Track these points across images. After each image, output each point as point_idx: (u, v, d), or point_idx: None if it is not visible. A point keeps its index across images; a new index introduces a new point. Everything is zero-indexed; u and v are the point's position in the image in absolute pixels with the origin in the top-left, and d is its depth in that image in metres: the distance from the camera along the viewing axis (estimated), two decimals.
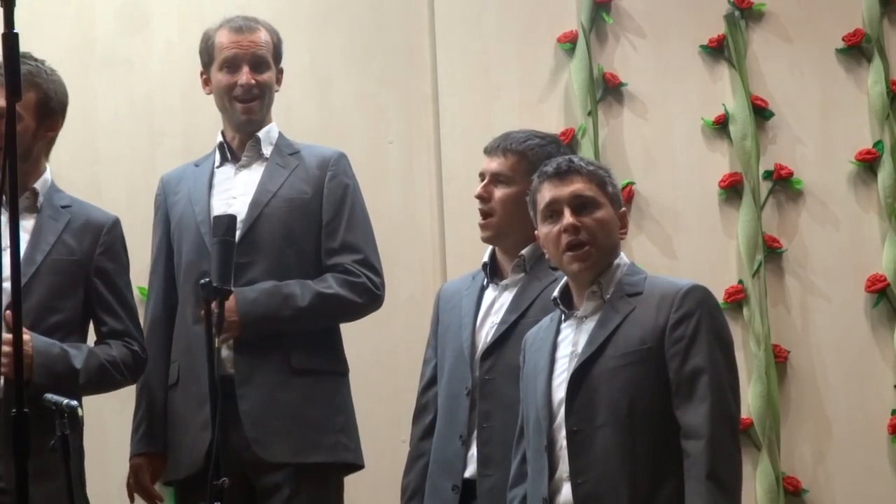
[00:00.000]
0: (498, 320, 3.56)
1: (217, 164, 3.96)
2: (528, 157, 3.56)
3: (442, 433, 3.60)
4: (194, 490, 3.73)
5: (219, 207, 3.85)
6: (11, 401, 2.59)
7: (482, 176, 3.64)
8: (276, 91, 4.00)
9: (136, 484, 3.86)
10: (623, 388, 3.13)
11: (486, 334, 3.57)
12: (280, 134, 4.00)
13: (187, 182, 3.95)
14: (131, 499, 3.88)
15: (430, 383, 3.71)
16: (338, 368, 3.92)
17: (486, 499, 3.45)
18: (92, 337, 3.84)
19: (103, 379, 3.71)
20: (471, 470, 3.51)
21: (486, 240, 3.64)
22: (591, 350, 3.17)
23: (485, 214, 3.61)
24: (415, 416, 3.75)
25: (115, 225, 3.81)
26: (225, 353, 3.77)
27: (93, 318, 3.79)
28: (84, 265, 3.73)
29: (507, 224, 3.57)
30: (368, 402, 4.32)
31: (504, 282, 3.61)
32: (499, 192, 3.59)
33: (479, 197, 3.61)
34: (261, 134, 3.94)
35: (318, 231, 3.88)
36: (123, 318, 3.77)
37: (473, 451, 3.51)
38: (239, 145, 3.96)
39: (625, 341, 3.16)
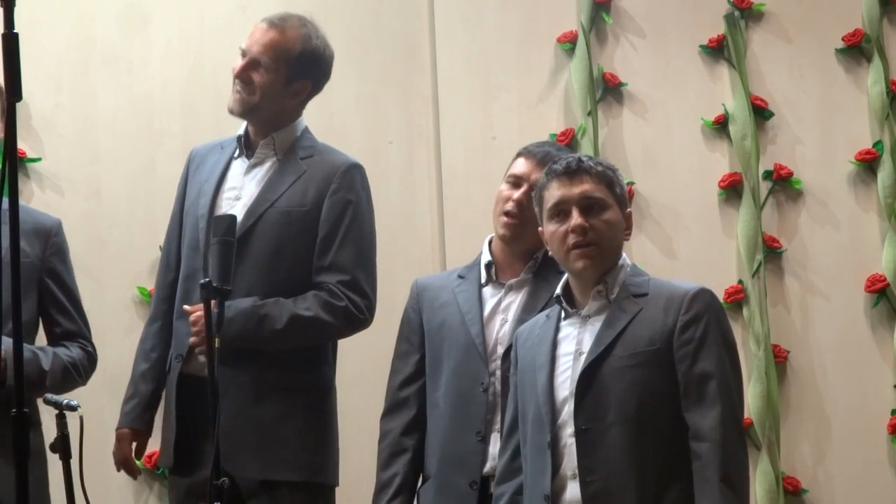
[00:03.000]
0: (509, 318, 3.56)
1: (235, 154, 3.89)
2: None
3: (451, 429, 3.57)
4: (181, 475, 3.77)
5: (222, 206, 3.80)
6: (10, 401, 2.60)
7: (520, 179, 3.61)
8: (296, 98, 3.83)
9: (118, 451, 3.86)
10: (632, 388, 3.14)
11: (496, 331, 3.57)
12: (304, 133, 3.88)
13: (206, 168, 3.89)
14: (117, 468, 3.88)
15: (411, 378, 3.69)
16: (318, 385, 3.80)
17: None
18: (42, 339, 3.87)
19: (65, 380, 3.77)
20: (489, 466, 3.50)
21: (505, 239, 3.62)
22: (599, 349, 3.17)
23: (512, 216, 3.60)
24: (391, 409, 3.71)
25: (61, 227, 3.87)
26: (203, 358, 3.68)
27: (45, 319, 3.83)
28: (36, 267, 3.76)
29: (531, 230, 3.55)
30: (366, 403, 4.32)
31: (510, 281, 3.61)
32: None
33: (518, 201, 3.58)
34: (276, 134, 3.83)
35: (312, 246, 3.77)
36: (76, 319, 3.84)
37: (491, 447, 3.51)
38: (255, 139, 3.87)
39: (633, 342, 3.17)
